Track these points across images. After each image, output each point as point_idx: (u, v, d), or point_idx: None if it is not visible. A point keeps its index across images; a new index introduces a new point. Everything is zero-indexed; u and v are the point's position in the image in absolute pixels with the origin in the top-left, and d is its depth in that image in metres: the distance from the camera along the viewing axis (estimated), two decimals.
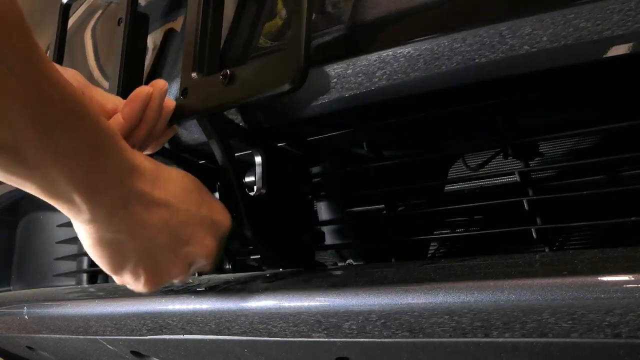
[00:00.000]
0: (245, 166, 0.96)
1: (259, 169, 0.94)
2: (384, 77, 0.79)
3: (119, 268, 0.79)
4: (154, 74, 1.06)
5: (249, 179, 0.96)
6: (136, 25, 1.02)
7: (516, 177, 0.83)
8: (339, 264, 1.07)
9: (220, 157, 0.89)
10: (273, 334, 0.87)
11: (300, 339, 0.85)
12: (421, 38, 0.76)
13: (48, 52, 1.10)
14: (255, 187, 0.93)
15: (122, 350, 1.15)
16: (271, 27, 0.89)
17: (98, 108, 0.79)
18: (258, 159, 0.94)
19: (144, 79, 1.05)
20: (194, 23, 0.89)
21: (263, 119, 0.94)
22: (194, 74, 0.87)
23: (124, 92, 0.99)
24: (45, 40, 1.14)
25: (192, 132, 1.03)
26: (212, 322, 0.92)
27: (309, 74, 0.77)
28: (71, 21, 1.30)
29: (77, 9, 1.29)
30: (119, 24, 1.01)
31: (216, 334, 0.93)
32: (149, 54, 1.06)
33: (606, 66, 0.69)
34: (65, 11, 1.11)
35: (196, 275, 1.14)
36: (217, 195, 1.05)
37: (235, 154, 0.94)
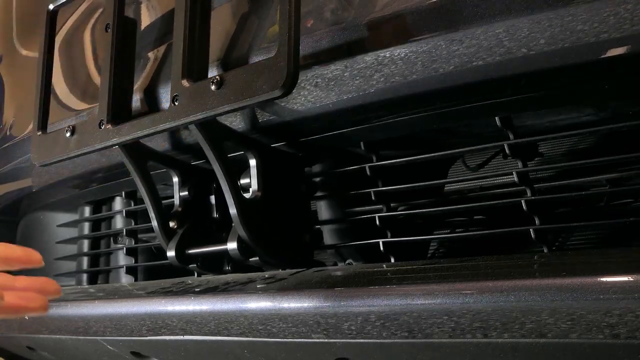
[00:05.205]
0: (241, 166, 0.96)
1: (253, 172, 0.94)
2: (382, 79, 0.79)
3: None
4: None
5: (244, 180, 0.96)
6: (124, 31, 1.01)
7: (514, 178, 0.83)
8: (339, 264, 1.07)
9: (214, 162, 0.89)
10: (272, 334, 0.87)
11: (300, 339, 0.85)
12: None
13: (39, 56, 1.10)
14: (250, 190, 0.93)
15: (122, 351, 1.15)
16: (272, 32, 0.90)
17: None
18: (252, 162, 0.94)
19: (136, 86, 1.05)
20: (181, 29, 0.89)
21: (257, 121, 0.94)
22: (183, 81, 0.87)
23: (114, 99, 0.98)
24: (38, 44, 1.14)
25: (185, 135, 1.03)
26: (211, 322, 0.92)
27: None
28: (71, 21, 1.30)
29: (74, 12, 1.29)
30: (106, 30, 1.01)
31: (216, 335, 0.93)
32: (150, 63, 1.06)
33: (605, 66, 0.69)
34: (52, 17, 1.11)
35: (195, 275, 1.14)
36: (213, 197, 1.06)
37: (231, 154, 0.94)
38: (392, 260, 0.94)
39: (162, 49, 1.06)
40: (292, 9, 0.76)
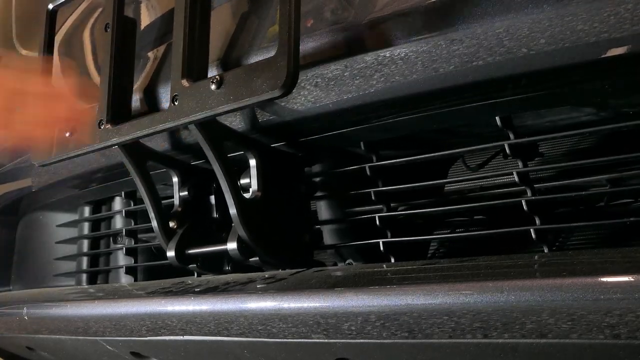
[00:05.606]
0: (241, 166, 0.96)
1: (253, 172, 0.94)
2: (382, 79, 0.79)
3: None
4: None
5: (244, 180, 0.96)
6: (123, 30, 1.01)
7: (515, 178, 0.83)
8: (339, 264, 1.07)
9: (214, 162, 0.89)
10: (272, 335, 0.87)
11: (300, 340, 0.85)
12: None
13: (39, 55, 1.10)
14: (250, 190, 0.93)
15: (121, 351, 1.15)
16: (272, 32, 0.90)
17: None
18: (252, 162, 0.94)
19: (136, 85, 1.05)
20: (181, 29, 0.89)
21: (257, 121, 0.94)
22: (183, 81, 0.87)
23: (113, 99, 0.98)
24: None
25: (185, 134, 1.03)
26: (211, 323, 0.92)
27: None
28: (71, 20, 1.30)
29: (73, 11, 1.29)
30: (106, 30, 1.01)
31: (215, 335, 0.93)
32: (150, 62, 1.06)
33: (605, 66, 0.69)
34: (52, 16, 1.11)
35: (195, 275, 1.14)
36: (213, 197, 1.06)
37: (231, 154, 0.94)
38: (392, 260, 0.94)
39: (162, 48, 1.06)
40: (292, 9, 0.76)
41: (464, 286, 0.71)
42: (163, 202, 1.05)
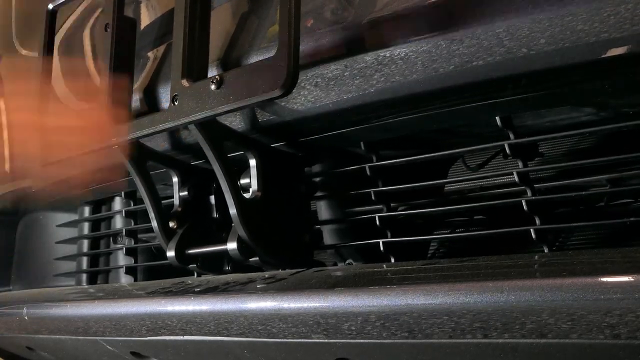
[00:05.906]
0: (241, 166, 0.96)
1: (253, 172, 0.94)
2: (382, 79, 0.79)
3: None
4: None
5: (244, 180, 0.96)
6: (123, 30, 1.02)
7: (515, 178, 0.83)
8: (339, 264, 1.07)
9: (214, 162, 0.89)
10: (272, 335, 0.87)
11: (300, 340, 0.85)
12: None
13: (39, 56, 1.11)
14: (250, 190, 0.93)
15: (122, 351, 1.15)
16: (272, 32, 0.90)
17: None
18: (252, 162, 0.94)
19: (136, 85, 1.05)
20: (181, 29, 0.89)
21: (257, 121, 0.94)
22: (183, 81, 0.87)
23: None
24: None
25: (185, 135, 1.03)
26: (211, 323, 0.92)
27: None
28: (71, 20, 1.30)
29: (73, 11, 1.29)
30: (106, 30, 1.01)
31: (215, 335, 0.93)
32: (150, 62, 1.07)
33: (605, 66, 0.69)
34: (52, 17, 1.11)
35: (195, 275, 1.14)
36: (213, 197, 1.06)
37: (231, 154, 0.94)
38: (392, 260, 0.94)
39: (162, 48, 1.06)
40: (292, 9, 0.76)
41: (464, 286, 0.71)
42: (163, 202, 1.05)
